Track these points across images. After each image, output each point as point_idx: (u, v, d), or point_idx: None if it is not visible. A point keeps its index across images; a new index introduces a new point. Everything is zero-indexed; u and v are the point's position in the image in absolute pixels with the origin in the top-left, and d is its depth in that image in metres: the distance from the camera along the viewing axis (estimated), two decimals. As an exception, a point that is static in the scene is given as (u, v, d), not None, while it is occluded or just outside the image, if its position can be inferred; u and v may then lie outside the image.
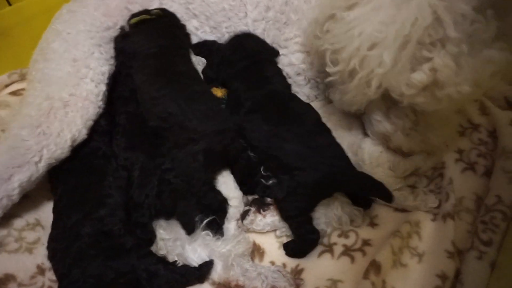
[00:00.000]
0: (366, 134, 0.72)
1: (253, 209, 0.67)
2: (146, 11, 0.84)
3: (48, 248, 0.63)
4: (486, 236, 0.60)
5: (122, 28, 0.84)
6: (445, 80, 0.54)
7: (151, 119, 0.70)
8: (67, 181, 0.68)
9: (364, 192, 0.66)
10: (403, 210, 0.67)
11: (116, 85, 0.79)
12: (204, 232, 0.64)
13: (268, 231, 0.67)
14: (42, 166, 0.64)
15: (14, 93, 0.93)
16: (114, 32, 0.82)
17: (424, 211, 0.65)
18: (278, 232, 0.67)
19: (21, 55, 0.85)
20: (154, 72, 0.74)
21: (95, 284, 0.56)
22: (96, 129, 0.73)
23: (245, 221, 0.66)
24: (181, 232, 0.64)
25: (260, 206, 0.67)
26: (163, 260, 0.61)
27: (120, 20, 0.84)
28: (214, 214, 0.64)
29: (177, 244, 0.62)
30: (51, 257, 0.62)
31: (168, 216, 0.65)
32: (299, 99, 0.77)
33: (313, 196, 0.64)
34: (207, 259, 0.61)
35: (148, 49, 0.76)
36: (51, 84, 0.71)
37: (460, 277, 0.58)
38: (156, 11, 0.83)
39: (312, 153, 0.66)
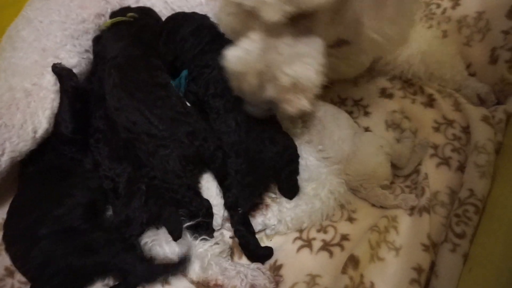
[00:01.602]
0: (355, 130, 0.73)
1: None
2: (123, 11, 0.80)
3: (8, 252, 0.61)
4: (459, 229, 0.62)
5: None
6: None
7: (120, 131, 0.69)
8: (29, 179, 0.66)
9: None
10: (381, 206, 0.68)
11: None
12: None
13: (260, 230, 0.67)
14: (5, 160, 0.62)
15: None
16: (89, 24, 0.79)
17: (405, 210, 0.66)
18: (267, 231, 0.66)
19: (-11, 46, 0.81)
20: (116, 84, 0.71)
21: (68, 280, 0.56)
22: (60, 138, 0.70)
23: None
24: (159, 232, 0.62)
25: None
26: (139, 256, 0.60)
27: (96, 11, 0.80)
28: (201, 217, 0.64)
29: (155, 243, 0.61)
30: (13, 261, 0.60)
31: (158, 224, 0.64)
32: None
33: (245, 184, 0.64)
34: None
35: (114, 57, 0.73)
36: (15, 74, 0.68)
37: (435, 269, 0.59)
38: (131, 14, 0.78)
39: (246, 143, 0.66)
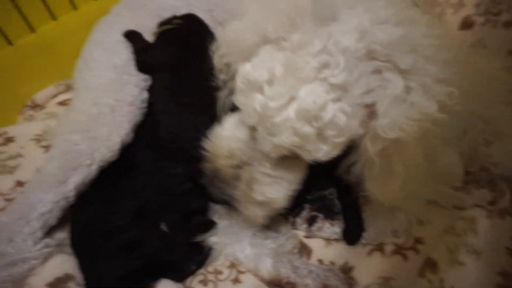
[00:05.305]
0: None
1: (321, 215, 0.65)
2: (170, 20, 0.82)
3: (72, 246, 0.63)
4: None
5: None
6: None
7: (161, 131, 0.69)
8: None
9: None
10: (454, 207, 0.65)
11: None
12: (251, 231, 0.63)
13: (336, 239, 0.65)
14: (94, 169, 0.65)
15: (61, 103, 0.97)
16: (149, 38, 0.83)
17: (479, 207, 0.62)
18: None
19: (65, 67, 0.87)
20: (167, 86, 0.73)
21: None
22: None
23: (312, 228, 0.65)
24: (229, 231, 0.63)
25: (329, 214, 0.65)
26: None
27: (153, 27, 0.84)
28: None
29: (226, 244, 0.62)
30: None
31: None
32: None
33: None
34: (256, 258, 0.60)
35: (165, 61, 0.75)
36: (96, 90, 0.73)
37: (523, 275, 0.55)
38: (177, 20, 0.81)
39: None
